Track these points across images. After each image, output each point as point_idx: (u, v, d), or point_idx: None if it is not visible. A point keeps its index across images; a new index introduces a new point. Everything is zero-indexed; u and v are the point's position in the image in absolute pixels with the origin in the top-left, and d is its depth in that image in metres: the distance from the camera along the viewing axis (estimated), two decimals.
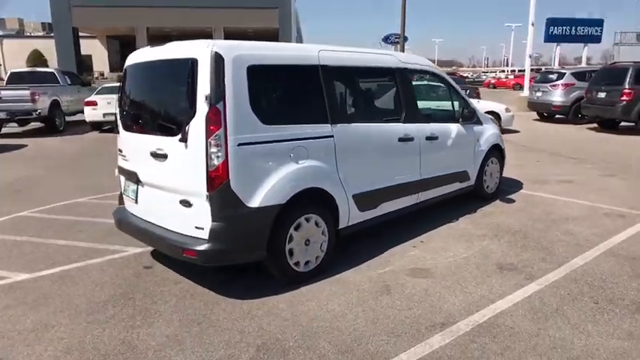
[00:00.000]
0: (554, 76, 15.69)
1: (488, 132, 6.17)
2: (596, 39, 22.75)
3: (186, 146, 3.45)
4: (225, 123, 3.34)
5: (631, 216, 5.56)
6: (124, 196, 4.36)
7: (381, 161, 4.56)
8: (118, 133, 4.31)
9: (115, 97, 15.02)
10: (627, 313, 3.39)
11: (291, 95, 3.91)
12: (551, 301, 3.56)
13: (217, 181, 3.37)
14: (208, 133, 3.33)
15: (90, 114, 15.04)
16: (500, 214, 5.73)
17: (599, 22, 22.38)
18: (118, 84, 18.16)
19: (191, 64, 3.42)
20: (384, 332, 3.19)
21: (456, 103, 5.66)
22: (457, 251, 4.57)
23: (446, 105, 5.64)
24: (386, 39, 29.35)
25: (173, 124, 3.63)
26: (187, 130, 3.42)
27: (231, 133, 3.37)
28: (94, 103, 14.96)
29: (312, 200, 3.88)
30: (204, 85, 3.35)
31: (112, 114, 15.61)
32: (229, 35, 45.86)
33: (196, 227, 3.52)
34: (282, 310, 3.52)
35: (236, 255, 3.58)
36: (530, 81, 20.07)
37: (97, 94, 15.62)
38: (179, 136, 3.49)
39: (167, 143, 3.61)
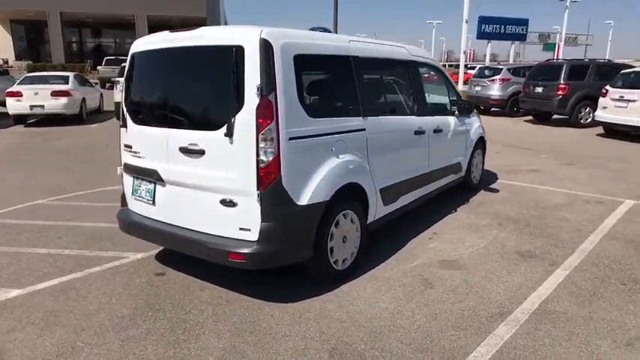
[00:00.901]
0: (491, 72, 16.64)
1: (476, 124, 6.37)
2: (522, 37, 24.51)
3: (231, 141, 3.16)
4: (276, 116, 3.10)
5: (608, 202, 6.01)
6: (131, 197, 3.92)
7: (401, 154, 4.52)
8: (125, 127, 3.86)
9: (44, 87, 13.94)
10: None
11: (330, 87, 3.73)
12: (585, 285, 3.73)
13: (269, 179, 3.12)
14: (259, 127, 3.07)
15: (13, 106, 13.57)
16: (493, 204, 5.93)
17: (524, 22, 24.06)
18: (44, 73, 16.70)
19: (235, 52, 3.12)
20: (449, 327, 3.15)
21: (452, 96, 5.76)
22: (473, 242, 4.66)
23: (443, 97, 5.72)
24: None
25: (213, 118, 3.32)
26: (233, 123, 3.13)
27: (283, 126, 3.14)
28: (18, 94, 13.50)
29: (348, 196, 3.75)
30: (253, 75, 3.07)
31: (40, 106, 14.23)
32: (153, 24, 43.59)
33: (241, 229, 3.24)
34: (334, 312, 3.36)
35: (285, 256, 3.36)
36: (466, 77, 21.15)
37: (20, 83, 14.11)
38: (222, 130, 3.18)
39: (204, 138, 3.29)
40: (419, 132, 4.75)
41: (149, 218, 3.76)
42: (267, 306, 3.44)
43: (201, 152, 3.30)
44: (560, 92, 12.93)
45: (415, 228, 4.98)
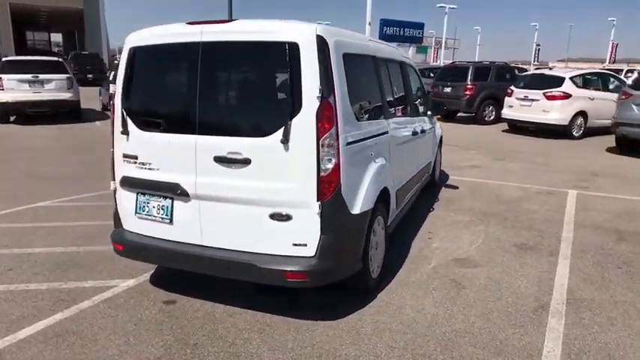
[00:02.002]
0: None
1: (437, 124, 6.61)
2: (418, 40, 26.14)
3: (286, 148, 2.84)
4: (336, 120, 2.86)
5: (556, 193, 6.63)
6: (134, 216, 3.35)
7: (406, 156, 4.51)
8: (126, 134, 3.28)
9: None
10: None
11: (365, 88, 3.55)
12: (591, 272, 4.05)
13: (330, 188, 2.88)
14: (320, 132, 2.81)
15: None
16: (461, 200, 6.20)
17: (421, 26, 25.68)
18: None
19: (289, 50, 2.81)
20: (506, 326, 3.19)
21: (424, 97, 5.90)
22: (470, 239, 4.81)
23: (420, 98, 5.83)
24: None
25: (260, 123, 2.96)
26: (289, 128, 2.82)
27: (342, 130, 2.91)
28: None
29: (380, 201, 3.62)
30: (310, 75, 2.80)
31: None
32: (17, 13, 38.47)
33: (295, 244, 2.95)
34: (389, 323, 3.22)
35: (342, 270, 3.13)
36: None
37: None
38: (274, 136, 2.85)
39: (250, 145, 2.92)
40: (415, 132, 4.78)
41: (165, 240, 3.25)
42: (316, 326, 3.18)
43: (246, 162, 2.92)
44: (467, 92, 14.06)
45: (408, 228, 5.00)
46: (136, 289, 3.70)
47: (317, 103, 2.80)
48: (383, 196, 3.67)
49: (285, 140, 2.82)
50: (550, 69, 16.45)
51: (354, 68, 3.24)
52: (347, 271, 3.17)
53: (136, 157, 3.26)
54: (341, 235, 3.00)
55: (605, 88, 12.13)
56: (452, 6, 42.12)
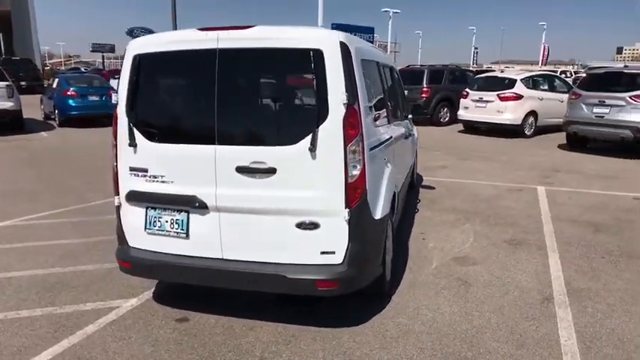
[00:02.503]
0: None
1: (414, 127, 6.78)
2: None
3: (313, 156, 2.82)
4: (361, 126, 2.88)
5: (526, 189, 6.98)
6: (143, 232, 3.20)
7: (401, 159, 4.60)
8: (133, 146, 3.12)
9: None
10: (626, 259, 4.39)
11: (376, 93, 3.59)
12: (580, 263, 4.30)
13: (356, 194, 2.89)
14: (347, 139, 2.82)
15: None
16: (442, 200, 6.39)
17: (371, 30, 26.15)
18: None
19: (313, 57, 2.80)
20: (521, 319, 3.34)
21: (405, 100, 6.04)
22: (461, 237, 4.97)
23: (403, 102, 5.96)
24: (130, 32, 28.20)
25: (285, 131, 2.92)
26: (317, 136, 2.80)
27: (366, 137, 2.94)
28: None
29: (392, 205, 3.67)
30: (336, 83, 2.80)
31: None
32: None
33: (322, 252, 2.93)
34: (412, 325, 3.27)
35: (367, 276, 3.14)
36: None
37: None
38: (300, 144, 2.83)
39: (274, 154, 2.87)
40: (406, 136, 4.89)
41: (181, 255, 3.12)
42: (341, 333, 3.18)
43: (271, 171, 2.87)
44: (423, 95, 14.51)
45: (401, 230, 5.10)
46: (142, 309, 3.53)
47: (343, 110, 2.81)
48: (393, 200, 3.73)
49: (313, 148, 2.81)
50: (502, 71, 17.30)
51: (368, 74, 3.28)
52: (371, 276, 3.19)
53: (146, 170, 3.12)
54: (367, 241, 3.02)
55: (552, 89, 12.95)
56: (395, 10, 43.30)
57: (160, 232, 3.15)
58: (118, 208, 3.30)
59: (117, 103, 3.18)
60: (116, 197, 3.28)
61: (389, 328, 3.24)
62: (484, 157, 9.69)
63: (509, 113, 12.01)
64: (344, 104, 2.80)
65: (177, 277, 3.21)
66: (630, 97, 9.00)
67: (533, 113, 12.24)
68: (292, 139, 2.86)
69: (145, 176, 3.13)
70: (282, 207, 2.91)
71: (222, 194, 2.97)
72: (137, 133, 3.11)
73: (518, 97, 11.97)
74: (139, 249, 3.24)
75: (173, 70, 3.20)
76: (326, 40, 2.83)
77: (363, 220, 2.96)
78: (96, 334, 3.21)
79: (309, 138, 2.82)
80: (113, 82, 16.94)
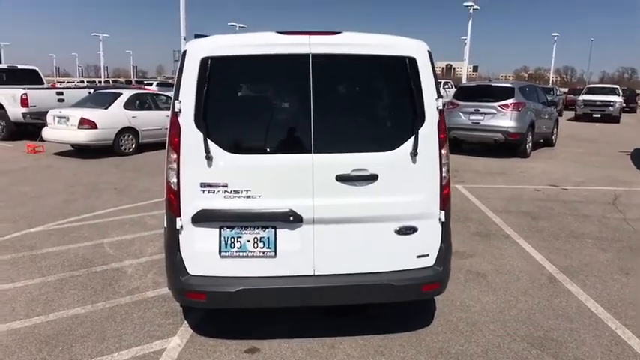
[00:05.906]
0: None
1: None
2: None
3: (414, 161, 2.82)
4: (445, 130, 2.99)
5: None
6: (217, 256, 2.79)
7: None
8: (209, 158, 2.70)
9: None
10: (572, 239, 5.25)
11: None
12: (547, 246, 5.00)
13: (447, 196, 2.99)
14: (441, 142, 2.90)
15: None
16: None
17: None
18: None
19: (409, 64, 2.82)
20: (548, 297, 3.78)
21: None
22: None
23: None
24: None
25: (384, 136, 2.87)
26: (417, 141, 2.81)
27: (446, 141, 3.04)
28: None
29: None
30: (430, 89, 2.88)
31: None
32: None
33: (418, 256, 2.96)
34: (471, 318, 3.47)
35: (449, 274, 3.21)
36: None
37: None
38: (400, 149, 2.82)
39: (376, 160, 2.80)
40: None
41: (266, 278, 2.80)
42: (420, 334, 3.24)
43: (373, 177, 2.79)
44: None
45: None
46: (195, 346, 3.05)
47: (437, 115, 2.89)
48: None
49: (415, 152, 2.82)
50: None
51: None
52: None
53: (226, 185, 2.72)
54: (450, 241, 3.12)
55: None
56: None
57: (240, 254, 2.78)
58: (176, 233, 2.79)
59: (178, 112, 2.71)
60: (177, 219, 2.77)
61: (456, 323, 3.38)
62: None
63: None
64: (438, 109, 2.89)
65: (262, 301, 2.86)
66: (499, 106, 10.71)
67: None
68: (391, 145, 2.83)
69: (224, 192, 2.74)
70: (383, 214, 2.85)
71: (321, 205, 2.77)
72: (213, 145, 2.71)
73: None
74: (211, 277, 2.80)
75: (255, 75, 2.89)
76: (418, 49, 2.89)
77: (448, 221, 3.07)
78: None
79: (409, 143, 2.83)
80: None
